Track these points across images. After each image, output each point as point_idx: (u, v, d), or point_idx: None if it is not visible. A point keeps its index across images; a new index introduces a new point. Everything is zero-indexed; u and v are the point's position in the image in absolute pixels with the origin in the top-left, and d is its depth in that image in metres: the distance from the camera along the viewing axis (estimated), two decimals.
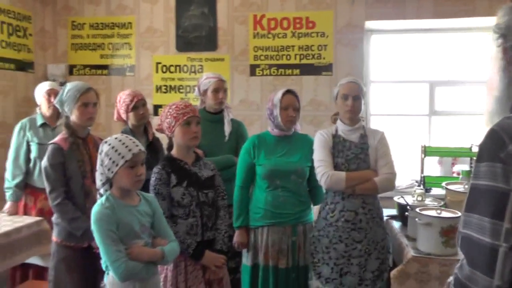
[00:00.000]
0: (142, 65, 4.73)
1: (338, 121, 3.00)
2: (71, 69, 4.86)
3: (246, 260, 3.14)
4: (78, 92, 2.79)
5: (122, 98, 3.28)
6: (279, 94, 3.05)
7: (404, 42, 4.70)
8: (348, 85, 2.94)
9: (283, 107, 3.02)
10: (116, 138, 2.20)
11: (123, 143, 2.17)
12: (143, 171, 2.21)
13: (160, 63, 4.71)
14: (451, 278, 1.34)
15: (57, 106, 2.88)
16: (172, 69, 4.69)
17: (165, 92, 4.70)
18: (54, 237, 2.80)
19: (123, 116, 3.27)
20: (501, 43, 1.39)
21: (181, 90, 4.69)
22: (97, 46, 4.81)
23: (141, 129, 3.31)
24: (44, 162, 2.74)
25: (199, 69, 4.64)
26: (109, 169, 2.17)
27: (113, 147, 2.16)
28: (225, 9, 4.59)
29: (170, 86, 4.70)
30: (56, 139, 2.82)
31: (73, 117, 2.82)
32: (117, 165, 2.15)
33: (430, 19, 4.38)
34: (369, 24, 4.51)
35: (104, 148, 2.19)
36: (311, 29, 4.52)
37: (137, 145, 2.19)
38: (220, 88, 3.43)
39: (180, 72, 4.68)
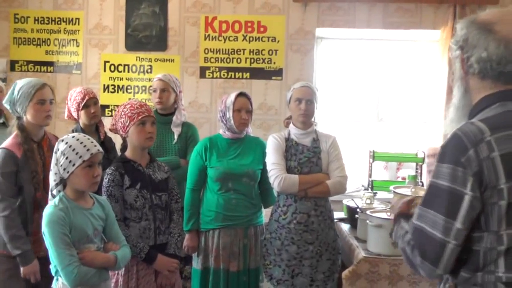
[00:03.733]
0: (90, 63, 4.58)
1: (291, 125, 3.06)
2: (12, 65, 4.63)
3: (196, 264, 3.12)
4: (32, 89, 2.61)
5: (73, 96, 3.17)
6: (232, 97, 3.06)
7: (354, 50, 4.81)
8: (302, 89, 2.99)
9: (236, 109, 3.03)
10: (73, 137, 2.13)
11: (81, 142, 2.11)
12: (100, 172, 2.15)
13: (108, 61, 4.57)
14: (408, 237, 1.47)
15: (7, 106, 2.68)
16: (121, 68, 4.57)
17: (112, 92, 4.57)
18: None
19: (74, 114, 3.17)
20: (459, 55, 1.49)
21: (129, 90, 4.58)
22: (42, 41, 4.59)
23: (92, 128, 3.21)
24: None
25: (148, 69, 4.55)
26: (64, 169, 2.09)
27: (70, 146, 2.09)
28: (176, 9, 4.54)
29: (118, 86, 4.58)
30: (8, 143, 2.61)
31: (28, 117, 2.63)
32: (74, 164, 2.08)
33: (379, 29, 4.52)
34: (320, 31, 4.59)
35: (60, 146, 2.12)
36: (263, 34, 4.55)
37: (95, 145, 2.14)
38: (158, 87, 3.38)
39: (128, 71, 4.57)
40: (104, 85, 4.59)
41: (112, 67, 4.59)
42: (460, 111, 1.53)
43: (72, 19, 4.57)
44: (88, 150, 2.10)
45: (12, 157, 2.55)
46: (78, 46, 4.58)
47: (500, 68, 1.40)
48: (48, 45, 4.60)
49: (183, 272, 3.25)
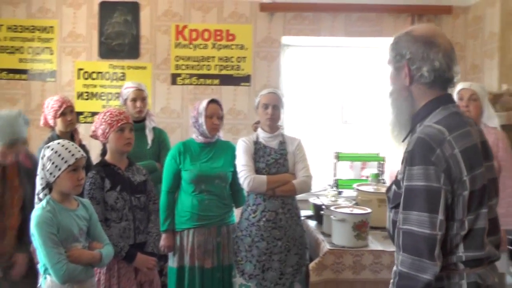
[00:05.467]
0: (64, 71, 4.67)
1: (259, 129, 3.24)
2: None
3: (172, 262, 3.26)
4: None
5: (50, 104, 3.28)
6: (204, 103, 3.21)
7: (318, 57, 5.03)
8: (269, 95, 3.18)
9: (208, 115, 3.19)
10: (58, 143, 2.29)
11: (66, 148, 2.26)
12: (84, 176, 2.31)
13: (82, 69, 4.67)
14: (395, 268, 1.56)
15: None
16: (94, 75, 4.68)
17: (86, 99, 4.66)
18: None
19: (51, 122, 3.28)
20: (403, 66, 1.63)
21: (102, 98, 4.69)
22: (15, 49, 4.66)
23: (68, 135, 3.31)
24: None
25: (121, 76, 4.67)
26: (51, 173, 2.23)
27: (56, 152, 2.24)
28: (148, 18, 4.67)
29: (92, 93, 4.68)
30: None
31: None
32: (59, 169, 2.22)
33: (342, 37, 4.78)
34: (286, 39, 4.80)
35: (46, 152, 2.26)
36: (231, 42, 4.72)
37: (79, 150, 2.29)
38: (137, 97, 3.55)
39: (102, 79, 4.68)
40: (78, 92, 4.68)
41: (86, 75, 4.68)
42: (403, 116, 1.67)
43: (46, 27, 4.65)
44: (73, 155, 2.25)
45: None
46: (52, 54, 4.66)
47: (445, 75, 1.59)
48: (22, 53, 4.66)
49: (164, 270, 3.39)
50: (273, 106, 3.13)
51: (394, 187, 1.65)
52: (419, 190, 1.48)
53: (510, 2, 4.10)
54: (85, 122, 4.56)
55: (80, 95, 4.67)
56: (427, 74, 1.59)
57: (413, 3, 4.63)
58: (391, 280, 1.55)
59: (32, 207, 2.30)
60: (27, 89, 4.63)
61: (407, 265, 1.47)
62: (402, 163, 1.58)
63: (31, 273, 2.74)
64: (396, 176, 1.65)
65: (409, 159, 1.51)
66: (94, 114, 4.67)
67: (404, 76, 1.64)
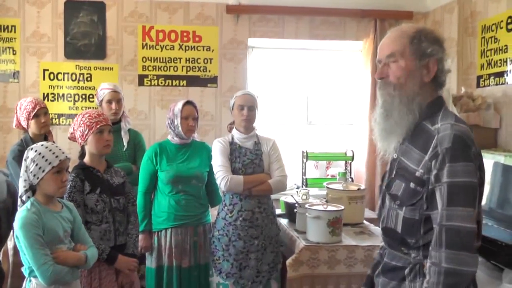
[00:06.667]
0: (28, 71, 4.55)
1: (234, 130, 3.30)
2: None
3: (149, 263, 3.29)
4: None
5: (23, 105, 3.23)
6: (180, 105, 3.26)
7: (283, 58, 5.15)
8: (244, 96, 3.25)
9: (184, 117, 3.24)
10: (42, 145, 2.27)
11: (50, 150, 2.25)
12: (68, 178, 2.30)
13: (47, 70, 4.57)
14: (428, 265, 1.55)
15: None
16: (60, 76, 4.59)
17: (52, 101, 4.57)
18: None
19: (24, 123, 3.23)
20: (434, 63, 1.66)
21: (69, 99, 4.61)
22: None
23: (41, 137, 3.28)
24: None
25: (88, 77, 4.61)
26: (34, 175, 2.22)
27: (40, 154, 2.22)
28: (114, 18, 4.63)
29: (58, 94, 4.60)
30: None
31: None
32: (43, 170, 2.21)
33: (306, 40, 4.90)
34: (252, 41, 4.88)
35: (30, 154, 2.24)
36: (198, 43, 4.75)
37: (63, 152, 2.28)
38: (113, 99, 3.54)
39: (68, 80, 4.60)
40: (44, 93, 4.58)
41: (52, 76, 4.60)
42: (413, 111, 1.67)
43: (7, 26, 4.52)
44: (56, 156, 2.24)
45: None
46: (15, 54, 4.53)
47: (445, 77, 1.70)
48: None
49: (140, 271, 3.39)
50: (249, 107, 3.20)
51: (405, 184, 1.65)
52: (464, 186, 1.51)
53: (468, 8, 4.34)
54: (51, 124, 4.45)
55: (46, 97, 4.57)
56: (443, 75, 1.68)
57: (375, 8, 4.81)
58: (432, 280, 1.51)
59: None
60: None
61: (455, 262, 1.48)
62: (430, 160, 1.58)
63: None
64: (414, 173, 1.64)
65: (451, 156, 1.53)
66: (60, 116, 4.62)
67: (425, 72, 1.67)
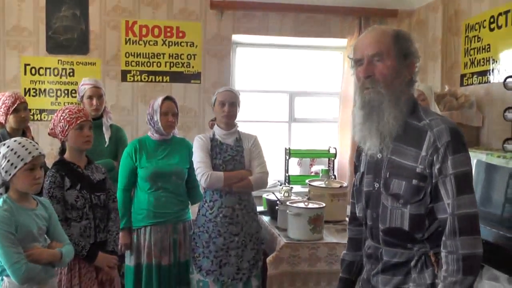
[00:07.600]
0: (8, 66, 4.47)
1: (215, 126, 3.26)
2: None
3: (128, 261, 3.26)
4: None
5: (2, 100, 3.17)
6: (159, 100, 3.23)
7: (267, 55, 5.13)
8: (225, 93, 3.22)
9: (163, 112, 3.21)
10: (15, 141, 2.21)
11: (23, 146, 2.19)
12: (42, 175, 2.24)
13: (29, 64, 4.49)
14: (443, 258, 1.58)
15: None
16: (42, 71, 4.52)
17: (34, 96, 4.50)
18: None
19: (1, 118, 3.17)
20: (413, 63, 1.72)
21: (51, 94, 4.54)
22: None
23: (19, 132, 3.22)
24: None
25: (70, 72, 4.54)
26: (6, 171, 2.16)
27: (12, 149, 2.17)
28: (97, 13, 4.57)
29: (40, 89, 4.52)
30: None
31: None
32: (15, 167, 2.16)
33: (290, 37, 4.88)
34: (236, 37, 4.85)
35: (2, 150, 2.18)
36: (181, 39, 4.72)
37: (37, 148, 2.22)
38: (94, 95, 3.50)
39: (50, 75, 4.53)
40: (25, 88, 4.51)
41: (33, 70, 4.52)
42: (402, 109, 1.68)
43: None
44: (29, 153, 2.18)
45: None
46: None
47: None
48: None
49: (121, 270, 3.36)
50: (230, 104, 3.17)
51: (406, 182, 1.64)
52: (467, 174, 1.59)
53: (452, 7, 4.34)
54: (33, 120, 4.39)
55: (27, 92, 4.50)
56: (416, 74, 1.74)
57: (360, 6, 4.80)
58: (451, 268, 1.55)
59: None
60: None
61: (471, 246, 1.55)
62: (431, 155, 1.60)
63: None
64: (414, 170, 1.64)
65: (451, 148, 1.58)
66: (42, 111, 4.55)
67: (407, 72, 1.71)
